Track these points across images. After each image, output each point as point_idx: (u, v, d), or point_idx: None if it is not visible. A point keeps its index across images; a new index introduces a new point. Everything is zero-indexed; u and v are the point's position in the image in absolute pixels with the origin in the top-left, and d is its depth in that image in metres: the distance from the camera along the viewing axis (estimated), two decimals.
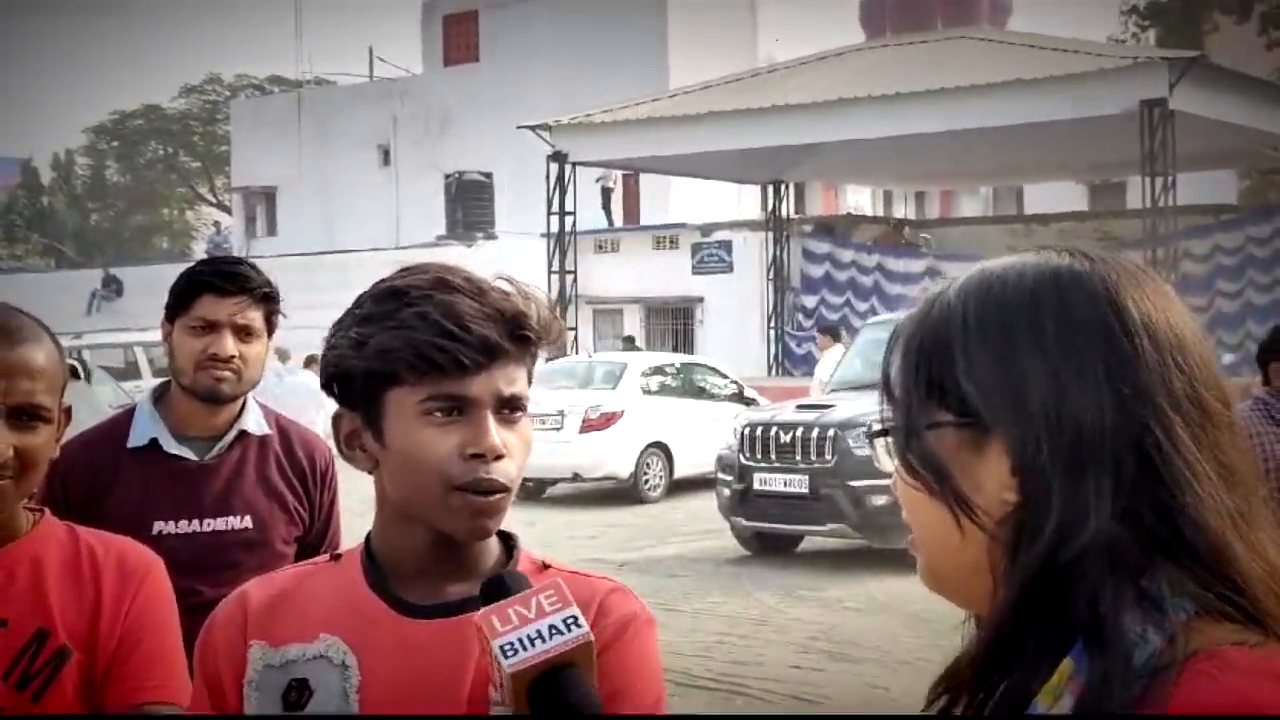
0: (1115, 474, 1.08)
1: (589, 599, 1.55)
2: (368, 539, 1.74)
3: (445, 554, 1.68)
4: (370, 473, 1.71)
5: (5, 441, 1.97)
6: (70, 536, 2.15)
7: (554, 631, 1.39)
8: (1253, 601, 1.06)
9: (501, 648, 1.38)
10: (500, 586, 1.47)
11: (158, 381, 3.31)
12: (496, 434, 1.62)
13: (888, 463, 1.19)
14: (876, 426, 1.21)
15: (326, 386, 1.71)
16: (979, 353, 1.13)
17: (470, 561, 1.70)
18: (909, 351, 1.17)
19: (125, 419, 3.18)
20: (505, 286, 1.66)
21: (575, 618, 1.40)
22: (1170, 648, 1.03)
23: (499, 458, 1.63)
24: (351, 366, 1.64)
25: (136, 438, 3.11)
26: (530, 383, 1.69)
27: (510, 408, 1.65)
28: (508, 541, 1.75)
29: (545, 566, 1.73)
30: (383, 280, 1.68)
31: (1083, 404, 1.09)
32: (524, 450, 1.67)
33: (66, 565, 2.11)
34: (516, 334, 1.63)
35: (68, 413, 2.11)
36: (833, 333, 19.32)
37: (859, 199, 45.80)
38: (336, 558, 1.77)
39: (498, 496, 1.64)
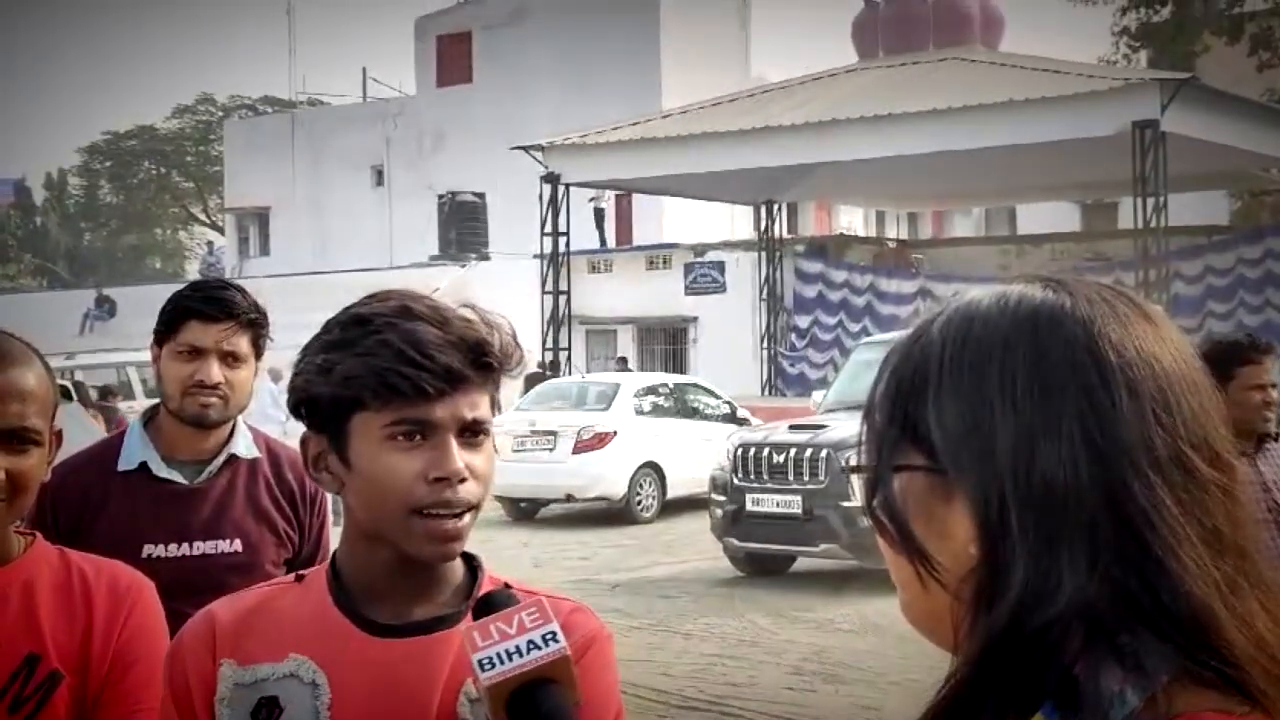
0: (1090, 537, 1.01)
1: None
2: (333, 559, 1.78)
3: (410, 574, 1.72)
4: (337, 493, 1.75)
5: None
6: (62, 560, 2.15)
7: (532, 646, 1.43)
8: (1238, 673, 0.99)
9: (480, 661, 1.42)
10: (490, 606, 1.50)
11: (149, 403, 3.31)
12: (459, 457, 1.67)
13: (862, 497, 1.15)
14: (853, 461, 1.17)
15: (294, 410, 1.75)
16: (949, 397, 1.07)
17: (435, 583, 1.74)
18: (890, 384, 1.12)
19: (115, 442, 3.18)
20: (468, 314, 1.71)
21: (554, 633, 1.44)
22: (1149, 710, 0.98)
23: (463, 480, 1.67)
24: (318, 392, 1.69)
25: (126, 461, 3.11)
26: (494, 407, 1.73)
27: (473, 431, 1.69)
28: (471, 563, 1.79)
29: (507, 587, 1.75)
30: (349, 307, 1.72)
31: (1054, 461, 1.02)
32: (488, 472, 1.72)
33: (58, 589, 2.11)
34: (479, 361, 1.68)
35: (59, 436, 2.11)
36: None
37: (851, 219, 45.89)
38: (301, 578, 1.79)
39: (463, 520, 1.68)
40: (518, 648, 1.42)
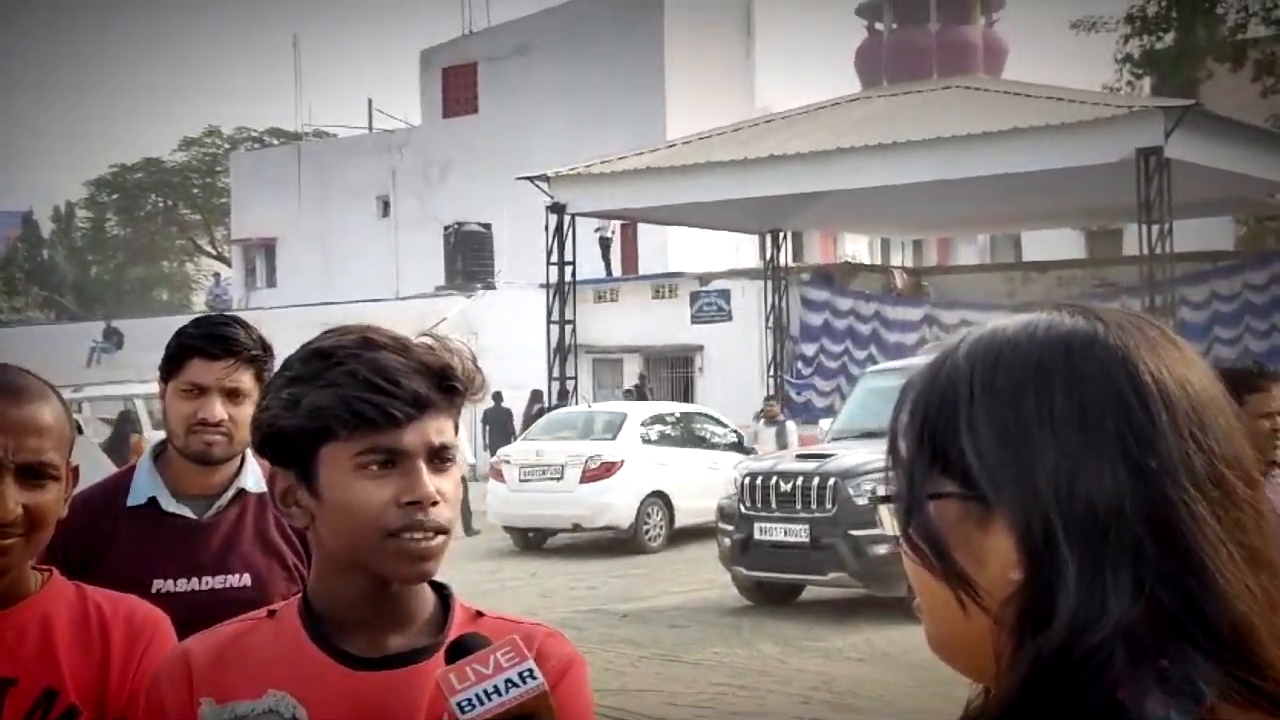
0: (1135, 558, 1.01)
1: (527, 645, 1.58)
2: (304, 593, 1.79)
3: (383, 603, 1.73)
4: (305, 529, 1.77)
5: (14, 500, 1.97)
6: (79, 595, 2.16)
7: (510, 685, 1.45)
8: (1278, 688, 1.01)
9: (460, 704, 1.44)
10: (463, 648, 1.52)
11: (158, 437, 3.31)
12: (430, 482, 1.68)
13: (892, 526, 1.14)
14: (881, 491, 1.15)
15: (259, 447, 1.77)
16: (983, 423, 1.06)
17: (407, 612, 1.75)
18: (915, 413, 1.11)
19: (125, 477, 3.19)
20: (429, 342, 1.73)
21: (531, 670, 1.46)
22: None
23: (434, 504, 1.69)
24: (285, 426, 1.70)
25: (136, 496, 3.11)
26: (457, 431, 1.76)
27: (440, 457, 1.71)
28: (441, 591, 1.81)
29: (479, 615, 1.79)
30: (309, 342, 1.75)
31: (1097, 482, 1.02)
32: (456, 495, 1.74)
33: (75, 624, 2.12)
34: (444, 385, 1.70)
35: (75, 472, 2.12)
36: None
37: (856, 247, 45.94)
38: (273, 613, 1.80)
39: (437, 540, 1.70)
40: (496, 687, 1.45)
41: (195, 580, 3.06)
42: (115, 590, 2.25)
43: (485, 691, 1.44)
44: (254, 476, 3.16)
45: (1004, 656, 1.04)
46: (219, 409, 3.02)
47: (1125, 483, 1.02)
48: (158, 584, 3.00)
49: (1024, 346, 1.08)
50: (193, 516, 3.11)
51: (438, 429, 1.70)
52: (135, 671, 2.09)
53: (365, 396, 1.65)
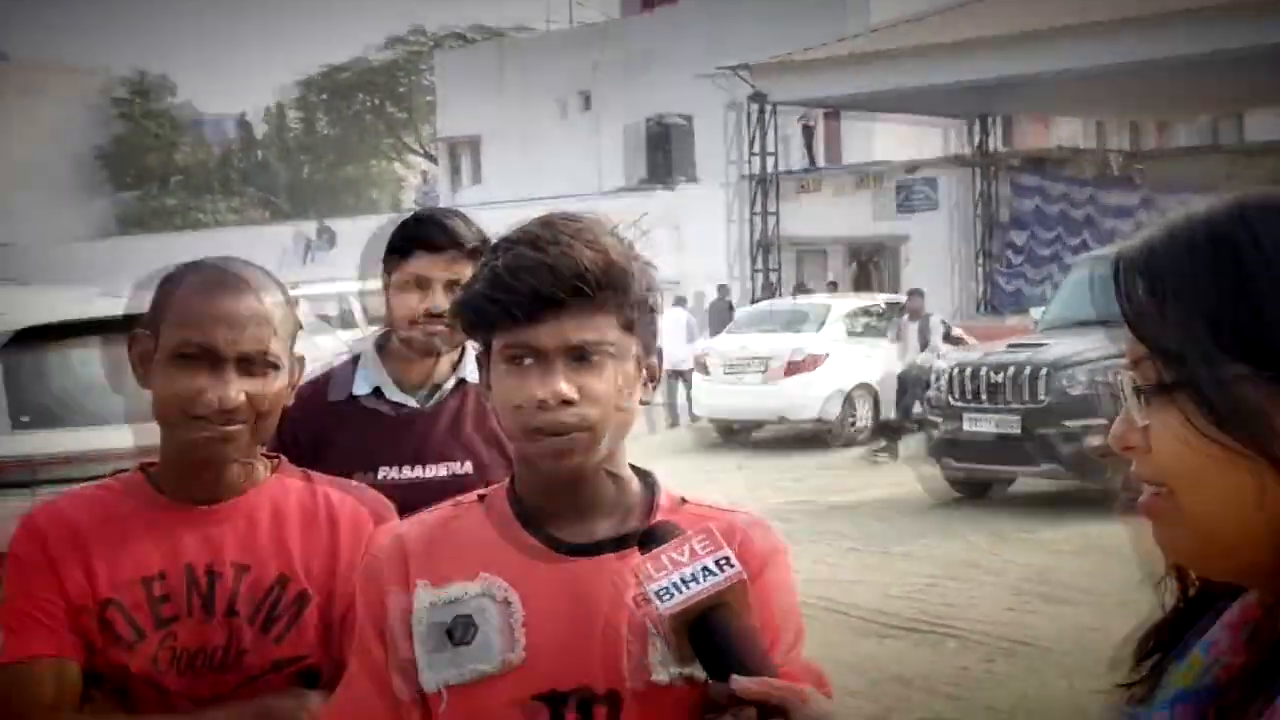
0: None
1: (729, 535, 1.57)
2: (512, 479, 1.80)
3: (566, 492, 1.73)
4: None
5: (236, 388, 2.03)
6: (307, 484, 2.22)
7: (707, 573, 1.45)
8: None
9: (657, 592, 1.45)
10: (653, 537, 1.53)
11: (376, 330, 3.36)
12: (564, 380, 1.65)
13: (1140, 419, 1.09)
14: (1133, 379, 1.10)
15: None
16: None
17: (603, 499, 1.75)
18: (1182, 296, 1.06)
19: (348, 367, 3.24)
20: (586, 236, 1.67)
21: (728, 558, 1.46)
22: None
23: (567, 402, 1.65)
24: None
25: (360, 386, 3.17)
26: (635, 327, 1.70)
27: (581, 354, 1.67)
28: (646, 479, 1.80)
29: (683, 502, 1.78)
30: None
31: None
32: (607, 393, 1.68)
33: (305, 512, 2.18)
34: (571, 285, 1.65)
35: (301, 361, 2.17)
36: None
37: (1070, 130, 44.57)
38: (482, 498, 1.81)
39: (573, 437, 1.67)
40: (693, 575, 1.44)
41: (420, 468, 3.11)
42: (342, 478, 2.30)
43: (683, 579, 1.44)
44: (476, 366, 3.19)
45: None
46: (443, 300, 3.04)
47: None
48: (384, 471, 3.06)
49: None
50: (416, 405, 3.16)
51: (578, 326, 1.66)
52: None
53: (490, 294, 1.66)
